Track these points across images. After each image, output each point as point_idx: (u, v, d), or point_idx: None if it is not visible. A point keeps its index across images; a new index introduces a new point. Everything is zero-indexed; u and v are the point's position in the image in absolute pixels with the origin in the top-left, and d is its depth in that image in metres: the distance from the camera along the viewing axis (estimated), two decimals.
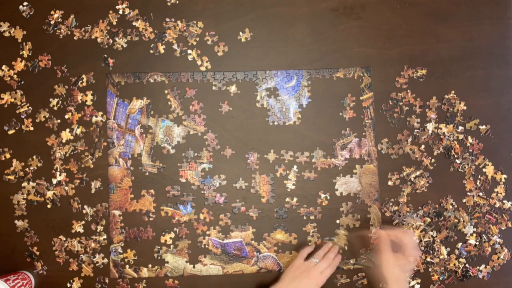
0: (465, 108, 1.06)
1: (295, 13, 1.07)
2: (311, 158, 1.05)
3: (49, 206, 1.03)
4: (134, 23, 1.06)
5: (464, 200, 1.05)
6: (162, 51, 1.06)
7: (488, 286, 1.04)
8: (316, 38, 1.07)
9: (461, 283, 1.04)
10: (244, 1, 1.07)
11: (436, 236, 1.04)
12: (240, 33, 1.07)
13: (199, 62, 1.06)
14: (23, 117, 1.05)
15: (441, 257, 1.04)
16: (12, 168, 1.04)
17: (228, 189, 1.05)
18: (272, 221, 1.04)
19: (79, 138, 1.04)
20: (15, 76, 1.05)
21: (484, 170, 1.05)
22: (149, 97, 1.05)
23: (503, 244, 1.04)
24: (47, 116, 1.05)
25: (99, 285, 1.03)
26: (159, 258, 1.03)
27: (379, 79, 1.06)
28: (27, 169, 1.04)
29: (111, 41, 1.06)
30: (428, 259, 1.04)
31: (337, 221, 1.04)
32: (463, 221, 1.04)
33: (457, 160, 1.05)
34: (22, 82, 1.05)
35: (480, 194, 1.05)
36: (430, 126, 1.06)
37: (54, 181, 1.03)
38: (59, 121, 1.05)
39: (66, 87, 1.05)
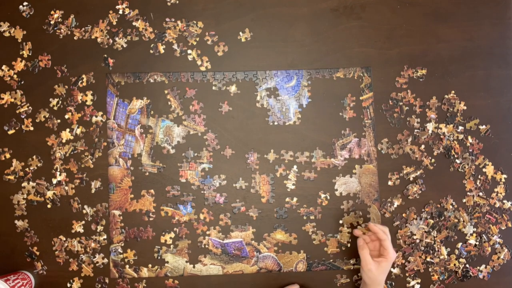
0: (465, 108, 1.06)
1: (295, 13, 1.07)
2: (311, 158, 1.05)
3: (49, 206, 1.03)
4: (134, 23, 1.06)
5: (464, 200, 1.05)
6: (162, 51, 1.06)
7: (488, 286, 1.04)
8: (316, 38, 1.07)
9: (461, 283, 1.04)
10: (244, 1, 1.07)
11: (436, 236, 1.04)
12: (240, 33, 1.07)
13: (199, 62, 1.06)
14: (23, 117, 1.05)
15: (441, 257, 1.04)
16: (12, 168, 1.04)
17: (228, 189, 1.05)
18: (272, 221, 1.04)
19: (79, 138, 1.04)
20: (15, 76, 1.05)
21: (484, 170, 1.05)
22: (149, 97, 1.05)
23: (503, 244, 1.04)
24: (47, 116, 1.05)
25: (99, 285, 1.03)
26: (159, 258, 1.03)
27: (379, 79, 1.06)
28: (27, 169, 1.04)
29: (111, 41, 1.06)
30: (428, 259, 1.04)
31: (340, 221, 1.04)
32: (463, 221, 1.04)
33: (457, 160, 1.05)
34: (22, 82, 1.05)
35: (480, 194, 1.05)
36: (430, 126, 1.06)
37: (54, 181, 1.03)
38: (59, 121, 1.05)
39: (66, 87, 1.05)
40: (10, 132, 1.05)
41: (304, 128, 1.06)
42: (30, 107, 1.05)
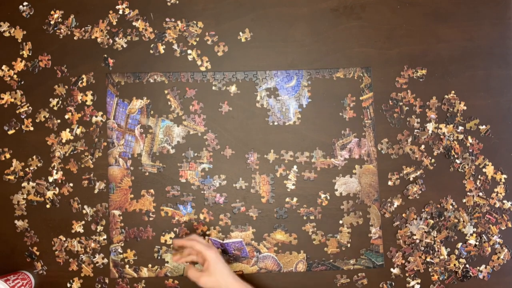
0: (465, 108, 1.06)
1: (295, 13, 1.07)
2: (311, 158, 1.05)
3: (48, 206, 1.03)
4: (134, 23, 1.06)
5: (464, 200, 1.05)
6: (162, 51, 1.06)
7: (488, 286, 1.04)
8: (316, 38, 1.07)
9: (461, 283, 1.04)
10: (244, 1, 1.07)
11: (436, 236, 1.04)
12: (240, 33, 1.07)
13: (199, 62, 1.06)
14: (23, 117, 1.05)
15: (441, 257, 1.04)
16: (12, 168, 1.04)
17: (228, 189, 1.05)
18: (272, 221, 1.04)
19: (79, 138, 1.04)
20: (15, 76, 1.05)
21: (484, 170, 1.05)
22: (149, 97, 1.05)
23: (503, 244, 1.04)
24: (47, 116, 1.05)
25: (99, 285, 1.03)
26: (159, 258, 1.03)
27: (379, 79, 1.06)
28: (27, 169, 1.04)
29: (111, 41, 1.06)
30: (428, 259, 1.04)
31: (340, 221, 1.04)
32: (463, 221, 1.04)
33: (457, 160, 1.05)
34: (22, 82, 1.05)
35: (480, 194, 1.05)
36: (430, 126, 1.06)
37: (51, 179, 1.03)
38: (59, 121, 1.05)
39: (66, 87, 1.05)
40: (10, 132, 1.05)
41: (304, 128, 1.06)
42: (30, 107, 1.05)
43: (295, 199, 1.04)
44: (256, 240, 1.04)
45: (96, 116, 1.05)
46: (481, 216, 1.05)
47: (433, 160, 1.05)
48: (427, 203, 1.05)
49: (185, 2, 1.07)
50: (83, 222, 1.03)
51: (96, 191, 1.04)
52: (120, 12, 1.06)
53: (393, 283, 1.04)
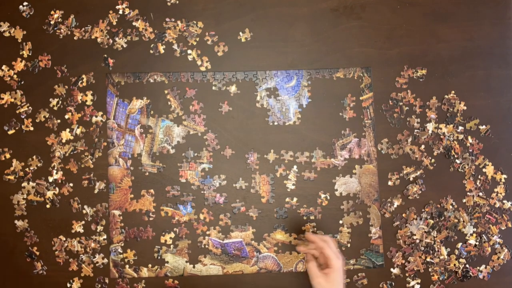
0: (465, 108, 1.06)
1: (295, 13, 1.07)
2: (311, 158, 1.05)
3: (48, 206, 1.03)
4: (134, 23, 1.06)
5: (464, 200, 1.05)
6: (162, 51, 1.06)
7: (488, 286, 1.04)
8: (316, 38, 1.07)
9: (461, 283, 1.04)
10: (244, 1, 1.07)
11: (436, 236, 1.04)
12: (240, 33, 1.07)
13: (199, 62, 1.06)
14: (23, 117, 1.05)
15: (441, 257, 1.04)
16: (12, 168, 1.04)
17: (228, 189, 1.05)
18: (272, 221, 1.04)
19: (79, 138, 1.04)
20: (15, 76, 1.05)
21: (484, 170, 1.05)
22: (149, 97, 1.05)
23: (503, 244, 1.04)
24: (47, 116, 1.05)
25: (99, 285, 1.03)
26: (159, 258, 1.03)
27: (379, 79, 1.06)
28: (27, 169, 1.04)
29: (111, 41, 1.06)
30: (428, 259, 1.04)
31: (340, 221, 1.04)
32: (463, 221, 1.04)
33: (457, 160, 1.05)
34: (22, 82, 1.05)
35: (480, 194, 1.05)
36: (430, 126, 1.06)
37: (51, 179, 1.03)
38: (59, 121, 1.05)
39: (66, 87, 1.05)
40: (10, 132, 1.05)
41: (304, 128, 1.06)
42: (30, 107, 1.05)
43: (295, 199, 1.04)
44: (256, 240, 1.04)
45: (96, 116, 1.05)
46: (481, 216, 1.05)
47: (433, 160, 1.05)
48: (427, 203, 1.05)
49: (185, 2, 1.07)
50: (83, 222, 1.03)
51: (96, 191, 1.04)
52: (120, 12, 1.07)
53: (393, 283, 1.04)
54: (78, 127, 1.05)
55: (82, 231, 1.03)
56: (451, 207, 1.05)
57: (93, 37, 1.06)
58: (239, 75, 1.06)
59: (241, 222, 1.04)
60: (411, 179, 1.05)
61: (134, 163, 1.04)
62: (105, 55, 1.06)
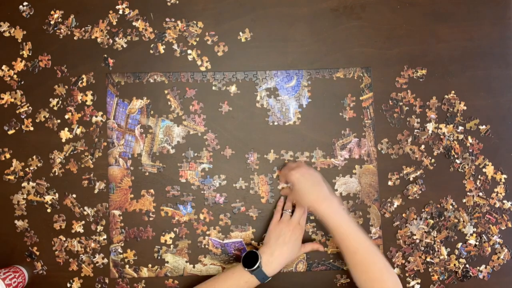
0: (465, 108, 1.06)
1: (295, 13, 1.07)
2: (311, 158, 1.05)
3: (48, 210, 1.03)
4: (134, 23, 1.06)
5: (464, 200, 1.05)
6: (162, 51, 1.06)
7: (488, 286, 1.04)
8: (316, 38, 1.07)
9: (461, 283, 1.04)
10: (244, 1, 1.07)
11: (436, 236, 1.04)
12: (240, 33, 1.07)
13: (199, 62, 1.06)
14: (23, 117, 1.05)
15: (441, 257, 1.04)
16: (12, 168, 1.04)
17: (228, 189, 1.05)
18: None
19: (79, 138, 1.04)
20: (15, 76, 1.05)
21: (484, 170, 1.05)
22: (149, 97, 1.05)
23: (503, 244, 1.04)
24: (47, 116, 1.05)
25: (99, 285, 1.03)
26: (159, 258, 1.03)
27: (379, 79, 1.06)
28: (27, 169, 1.04)
29: (111, 41, 1.06)
30: (428, 259, 1.04)
31: None
32: (463, 221, 1.04)
33: (457, 160, 1.05)
34: (22, 82, 1.05)
35: (480, 194, 1.05)
36: (430, 126, 1.06)
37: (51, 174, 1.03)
38: (59, 121, 1.05)
39: (66, 87, 1.05)
40: (10, 132, 1.05)
41: (304, 128, 1.06)
42: (30, 107, 1.05)
43: None
44: (256, 240, 1.04)
45: (96, 116, 1.05)
46: (481, 216, 1.05)
47: (433, 160, 1.05)
48: (427, 203, 1.05)
49: (185, 2, 1.07)
50: (83, 222, 1.03)
51: (96, 191, 1.04)
52: (120, 12, 1.07)
53: None
54: (78, 127, 1.05)
55: (82, 231, 1.03)
56: (451, 207, 1.05)
57: (93, 37, 1.06)
58: (239, 75, 1.06)
59: (241, 222, 1.04)
60: (411, 179, 1.05)
61: (134, 163, 1.04)
62: (105, 55, 1.06)
